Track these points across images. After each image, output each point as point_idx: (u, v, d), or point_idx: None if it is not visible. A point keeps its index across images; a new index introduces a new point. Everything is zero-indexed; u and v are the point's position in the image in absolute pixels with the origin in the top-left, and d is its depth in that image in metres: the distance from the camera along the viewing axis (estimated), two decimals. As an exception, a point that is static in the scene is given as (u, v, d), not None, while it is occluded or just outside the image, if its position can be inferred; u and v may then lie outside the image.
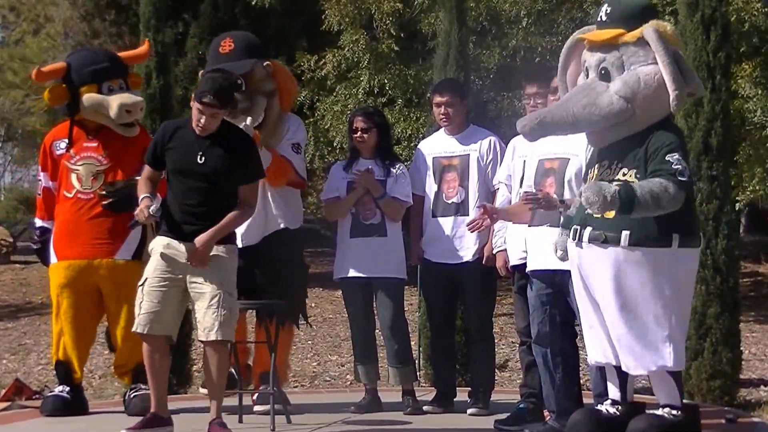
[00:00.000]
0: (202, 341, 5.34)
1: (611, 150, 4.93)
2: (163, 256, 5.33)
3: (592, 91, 4.91)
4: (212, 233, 5.27)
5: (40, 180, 6.71)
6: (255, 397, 6.28)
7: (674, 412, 4.79)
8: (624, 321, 4.81)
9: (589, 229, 4.88)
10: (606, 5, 5.01)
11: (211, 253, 5.27)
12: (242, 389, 6.17)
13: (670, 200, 4.65)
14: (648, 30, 4.81)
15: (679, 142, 4.81)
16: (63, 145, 6.56)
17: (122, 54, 6.93)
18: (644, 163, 4.78)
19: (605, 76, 4.92)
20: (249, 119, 6.07)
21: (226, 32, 6.66)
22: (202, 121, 5.31)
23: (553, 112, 4.98)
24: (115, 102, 6.42)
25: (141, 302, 5.34)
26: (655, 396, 4.94)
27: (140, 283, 5.38)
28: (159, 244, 5.40)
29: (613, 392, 5.03)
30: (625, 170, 4.84)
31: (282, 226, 6.31)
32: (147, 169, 5.56)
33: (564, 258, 5.07)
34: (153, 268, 5.35)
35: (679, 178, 4.67)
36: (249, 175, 5.43)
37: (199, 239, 5.25)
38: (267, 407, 5.85)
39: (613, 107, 4.84)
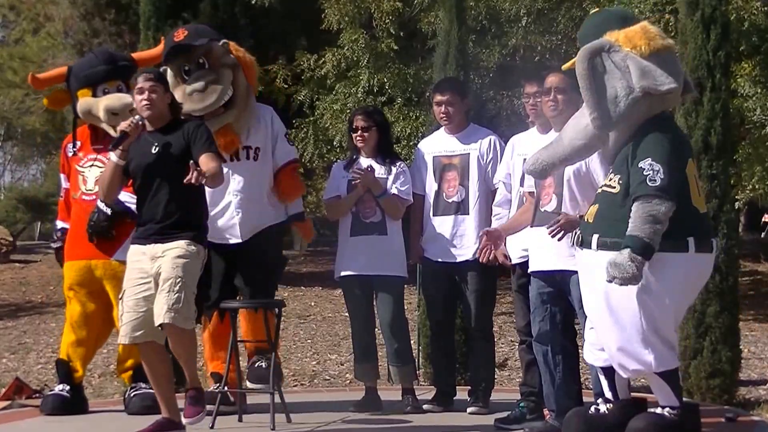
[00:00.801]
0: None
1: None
2: (134, 264, 5.35)
3: (578, 117, 5.00)
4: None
5: (61, 183, 6.74)
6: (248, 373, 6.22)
7: (674, 411, 4.79)
8: (601, 323, 4.83)
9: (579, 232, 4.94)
10: None
11: (171, 247, 5.25)
12: (242, 388, 6.17)
13: (662, 209, 4.61)
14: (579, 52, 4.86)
15: (652, 146, 4.71)
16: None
17: (136, 54, 6.92)
18: (627, 170, 4.76)
19: None
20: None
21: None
22: (144, 97, 5.35)
23: (549, 150, 5.05)
24: (101, 104, 6.40)
25: (122, 314, 5.35)
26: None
27: (120, 296, 5.41)
28: (130, 253, 5.41)
29: (607, 391, 5.04)
30: (612, 176, 4.86)
31: (274, 221, 6.36)
32: None
33: None
34: (127, 279, 5.37)
35: (650, 184, 4.63)
36: (200, 145, 5.33)
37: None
38: (260, 385, 5.92)
39: (588, 128, 4.87)
